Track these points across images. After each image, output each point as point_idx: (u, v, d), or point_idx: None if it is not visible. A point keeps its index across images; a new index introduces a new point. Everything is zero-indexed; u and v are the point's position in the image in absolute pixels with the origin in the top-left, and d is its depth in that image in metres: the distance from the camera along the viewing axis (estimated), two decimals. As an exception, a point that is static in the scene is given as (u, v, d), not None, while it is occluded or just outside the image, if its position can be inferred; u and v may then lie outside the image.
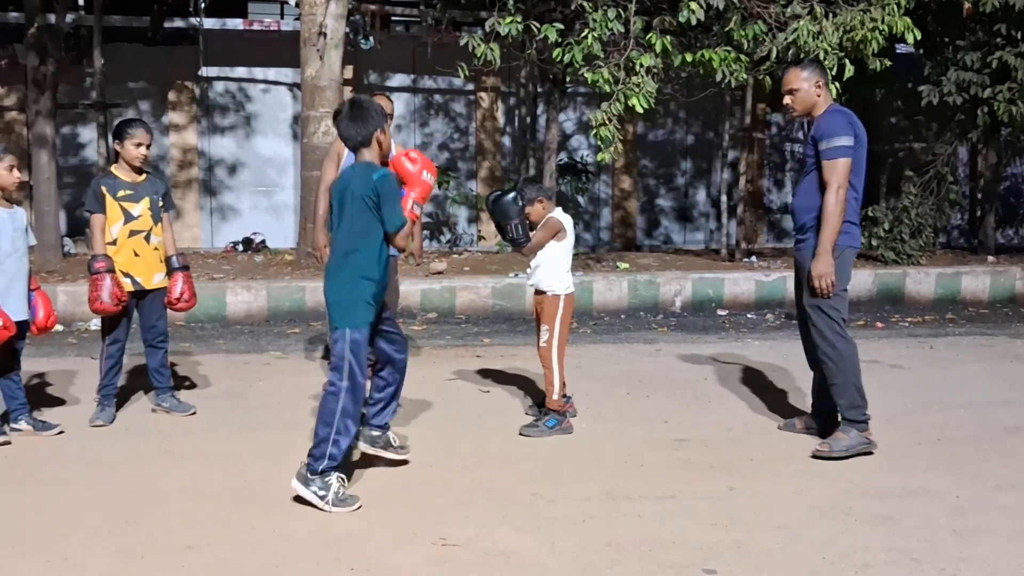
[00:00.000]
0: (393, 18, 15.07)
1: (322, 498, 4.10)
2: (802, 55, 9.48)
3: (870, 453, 4.89)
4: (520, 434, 5.27)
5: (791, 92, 5.05)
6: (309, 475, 4.15)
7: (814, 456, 4.84)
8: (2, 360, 5.22)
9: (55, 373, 6.85)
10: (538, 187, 5.47)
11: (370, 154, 4.36)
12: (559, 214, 5.43)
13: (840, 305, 4.94)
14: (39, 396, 6.10)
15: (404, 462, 4.72)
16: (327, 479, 4.14)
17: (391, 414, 4.71)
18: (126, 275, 5.52)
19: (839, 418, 4.97)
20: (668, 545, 3.75)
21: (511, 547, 3.73)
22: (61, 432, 5.32)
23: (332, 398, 4.20)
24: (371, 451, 4.65)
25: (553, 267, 5.37)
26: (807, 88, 5.00)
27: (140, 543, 3.75)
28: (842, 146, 4.80)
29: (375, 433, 4.65)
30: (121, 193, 5.52)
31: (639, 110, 9.27)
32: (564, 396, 5.40)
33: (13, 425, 5.29)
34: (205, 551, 3.68)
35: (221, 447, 5.09)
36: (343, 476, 4.22)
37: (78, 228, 13.00)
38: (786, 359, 7.46)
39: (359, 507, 4.13)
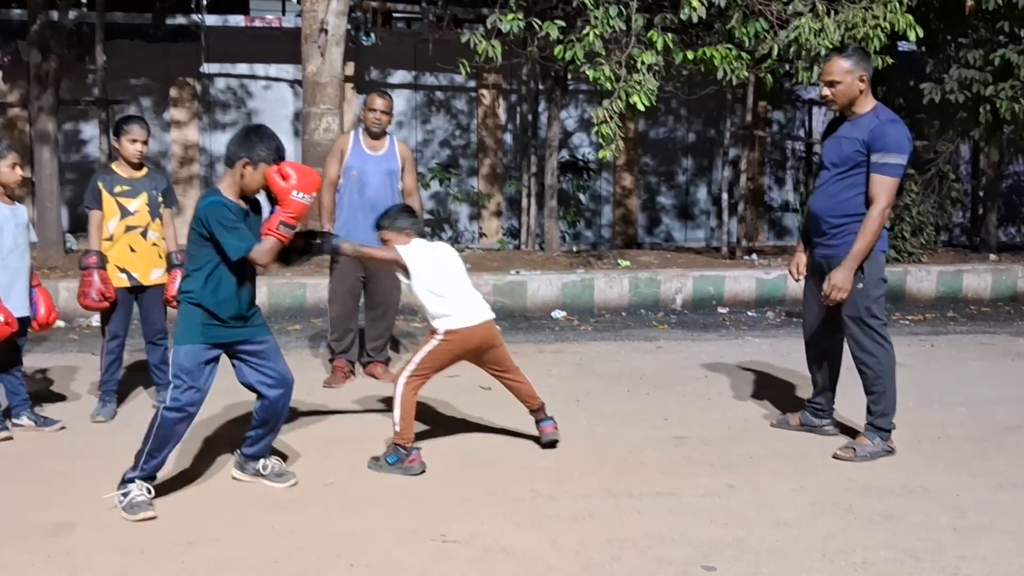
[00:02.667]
0: (394, 15, 15.05)
1: (119, 503, 4.05)
2: (803, 53, 9.48)
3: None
4: (368, 466, 4.72)
5: (832, 84, 4.77)
6: (122, 480, 4.11)
7: (835, 458, 4.83)
8: (4, 356, 5.23)
9: (56, 369, 6.86)
10: (401, 221, 4.85)
11: (229, 177, 4.20)
12: (408, 248, 4.76)
13: (878, 311, 4.80)
14: (40, 392, 6.10)
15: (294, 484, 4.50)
16: (128, 486, 4.07)
17: (262, 448, 4.50)
18: (122, 270, 5.53)
19: (866, 423, 4.94)
20: (668, 542, 3.76)
21: (512, 544, 3.73)
22: (62, 428, 5.33)
23: (156, 414, 4.16)
24: (243, 478, 4.52)
25: (428, 309, 4.76)
26: (850, 82, 4.73)
27: (141, 539, 3.76)
28: (899, 164, 4.62)
29: (241, 460, 4.55)
30: (118, 189, 5.53)
31: (640, 108, 9.27)
32: (406, 447, 4.64)
33: (15, 420, 5.30)
34: (206, 547, 3.69)
35: (221, 443, 5.10)
36: (148, 485, 4.11)
37: (80, 224, 12.98)
38: (786, 357, 7.47)
39: (151, 517, 3.99)
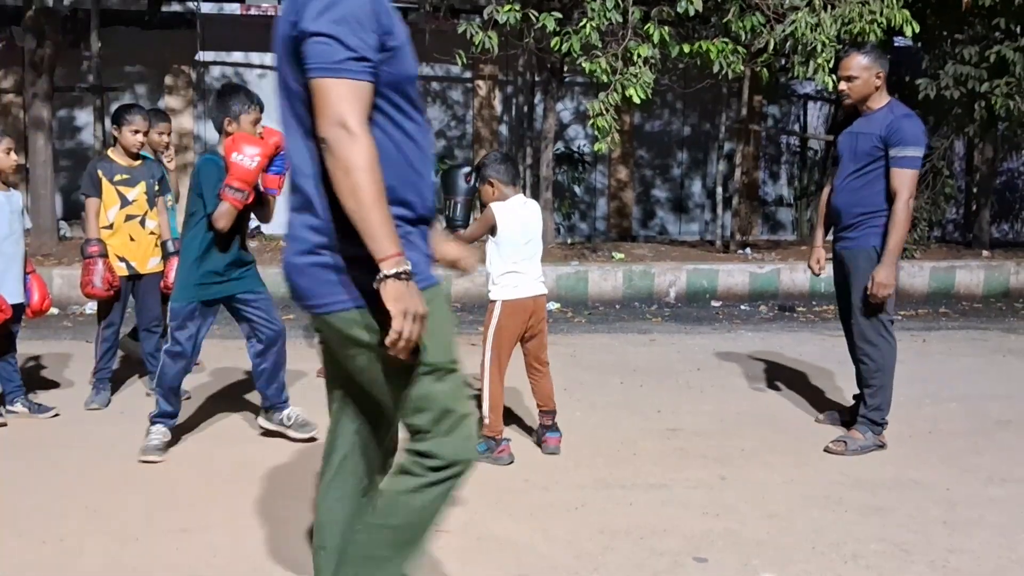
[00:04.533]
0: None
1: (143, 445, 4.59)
2: (800, 47, 9.49)
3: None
4: None
5: (849, 79, 4.86)
6: (150, 423, 4.67)
7: (826, 451, 4.86)
8: (-2, 343, 5.23)
9: (50, 356, 6.85)
10: (498, 167, 4.73)
11: (224, 141, 4.63)
12: (505, 204, 4.68)
13: (889, 307, 4.87)
14: (35, 379, 6.10)
15: (312, 439, 4.82)
16: (151, 427, 4.65)
17: (272, 396, 4.88)
18: (121, 259, 5.52)
19: (859, 416, 4.97)
20: (660, 533, 3.77)
21: (504, 534, 3.75)
22: (56, 415, 5.33)
23: (161, 360, 4.69)
24: (269, 427, 4.94)
25: (489, 266, 4.74)
26: (867, 78, 4.83)
27: (135, 525, 3.76)
28: (917, 157, 4.74)
29: (265, 411, 4.96)
30: (118, 177, 5.52)
31: (636, 100, 9.28)
32: (495, 439, 4.66)
33: (9, 407, 5.30)
34: (200, 534, 3.70)
35: (215, 431, 5.11)
36: (167, 429, 4.66)
37: (74, 211, 12.97)
38: (778, 350, 7.50)
39: (155, 461, 4.52)
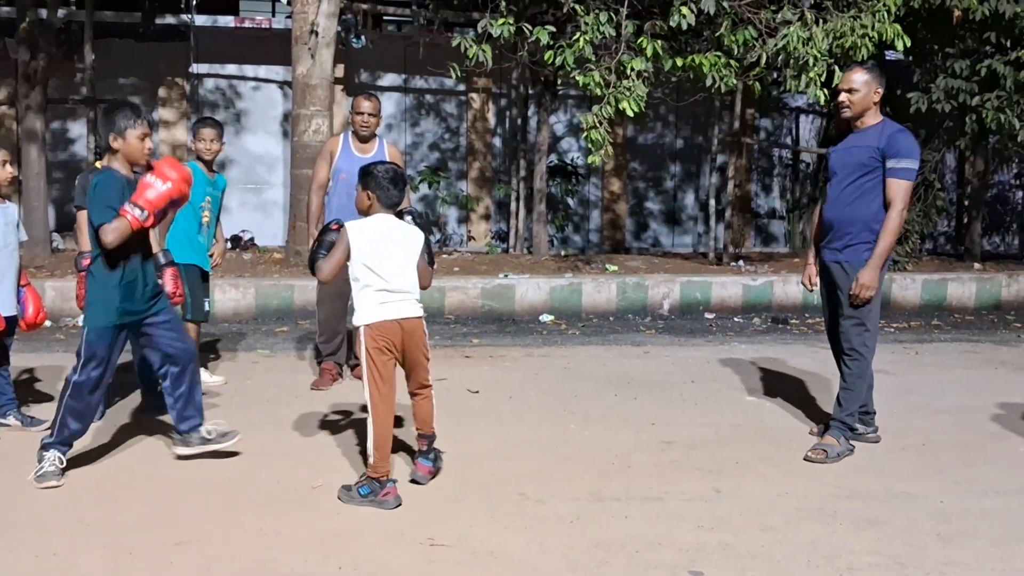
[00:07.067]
0: (385, 17, 15.06)
1: (35, 470, 4.38)
2: (791, 61, 9.54)
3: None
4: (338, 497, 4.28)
5: (851, 91, 5.06)
6: (41, 446, 4.45)
7: (807, 460, 4.89)
8: (-9, 355, 5.22)
9: (43, 369, 6.82)
10: (377, 184, 4.35)
11: (115, 157, 4.48)
12: (360, 222, 4.36)
13: (877, 318, 5.09)
14: (27, 392, 6.08)
15: (236, 453, 4.77)
16: (44, 453, 4.42)
17: (193, 417, 4.71)
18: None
19: (832, 421, 5.07)
20: (655, 546, 3.78)
21: (499, 547, 3.75)
22: (48, 428, 5.31)
23: (65, 385, 4.48)
24: (189, 452, 4.72)
25: (353, 288, 4.34)
26: (866, 92, 5.03)
27: (129, 539, 3.75)
28: (913, 169, 4.94)
29: (182, 438, 4.75)
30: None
31: (630, 113, 9.31)
32: (379, 480, 4.20)
33: (1, 420, 5.28)
34: (194, 547, 3.69)
35: (210, 444, 5.09)
36: (61, 456, 4.43)
37: (67, 223, 12.95)
38: (772, 362, 7.51)
39: (55, 486, 4.33)
